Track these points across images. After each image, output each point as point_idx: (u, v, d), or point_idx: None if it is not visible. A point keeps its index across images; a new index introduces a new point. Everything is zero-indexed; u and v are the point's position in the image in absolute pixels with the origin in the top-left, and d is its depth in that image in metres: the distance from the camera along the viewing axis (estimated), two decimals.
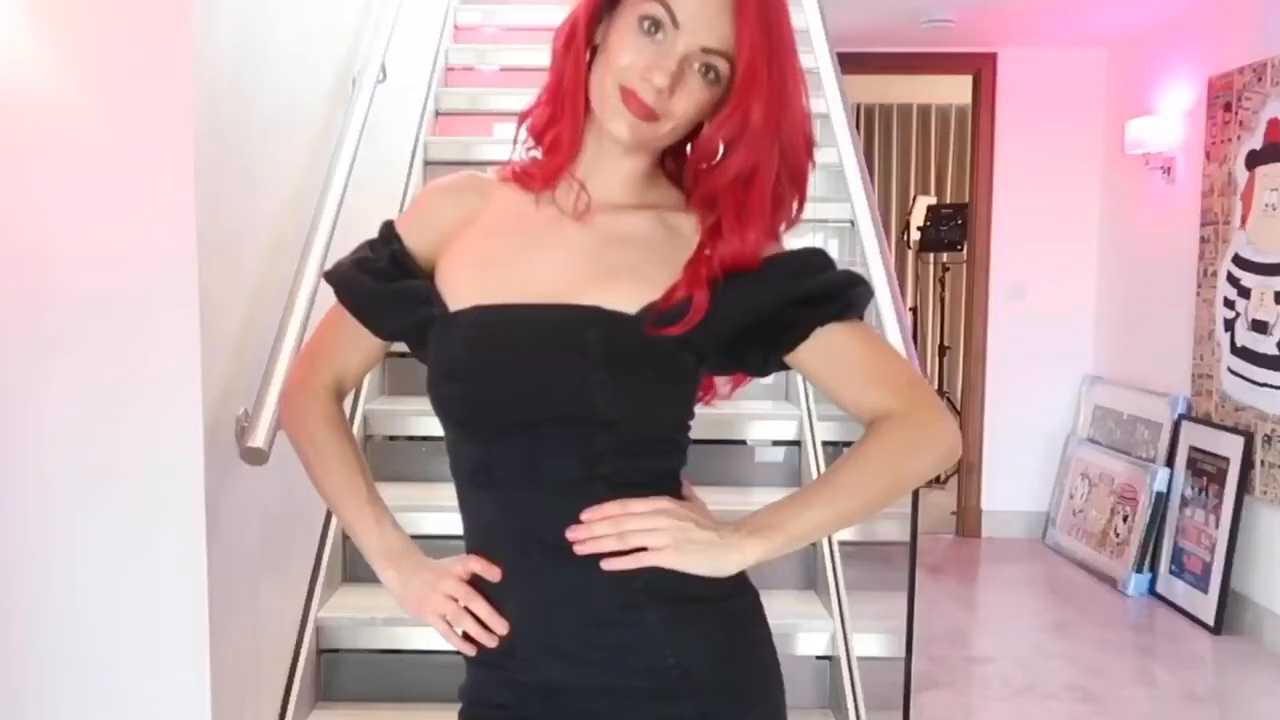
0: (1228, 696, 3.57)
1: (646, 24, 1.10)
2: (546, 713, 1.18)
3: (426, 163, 3.95)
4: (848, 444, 3.31)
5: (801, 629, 2.71)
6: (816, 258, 1.17)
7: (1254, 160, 4.06)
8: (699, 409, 1.25)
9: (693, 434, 1.26)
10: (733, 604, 1.21)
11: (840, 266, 1.17)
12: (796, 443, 3.18)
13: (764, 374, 1.21)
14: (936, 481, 6.22)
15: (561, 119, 1.19)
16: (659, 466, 1.20)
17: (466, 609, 1.19)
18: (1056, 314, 5.30)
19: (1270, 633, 3.90)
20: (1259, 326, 4.00)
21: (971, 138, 5.57)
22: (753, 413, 3.30)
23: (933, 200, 6.78)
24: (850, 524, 1.17)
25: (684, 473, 1.25)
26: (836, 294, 1.15)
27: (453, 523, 1.27)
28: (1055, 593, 4.61)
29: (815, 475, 3.01)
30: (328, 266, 1.35)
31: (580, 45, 1.16)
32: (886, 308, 2.46)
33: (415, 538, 1.26)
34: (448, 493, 1.28)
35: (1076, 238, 5.28)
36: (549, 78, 1.21)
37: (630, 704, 1.16)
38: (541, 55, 1.25)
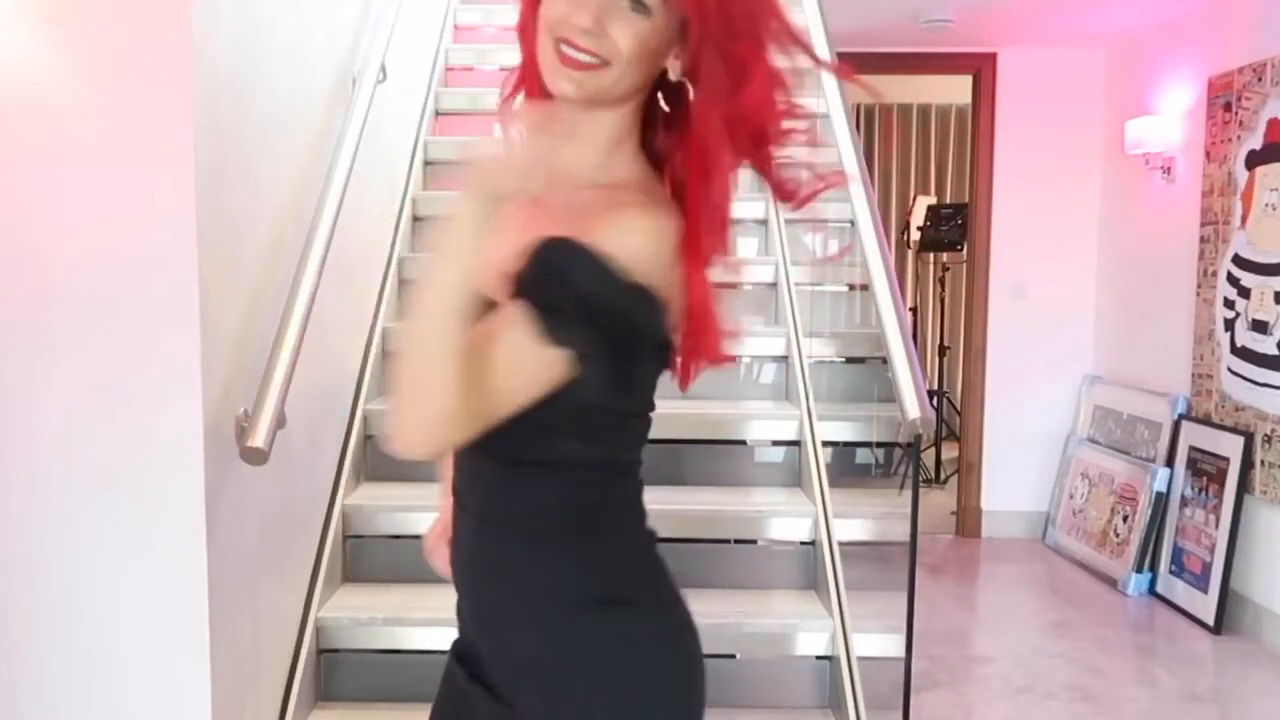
0: (1228, 696, 3.57)
1: None
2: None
3: (426, 162, 3.95)
4: (848, 444, 3.33)
5: (801, 629, 2.71)
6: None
7: (1254, 160, 4.06)
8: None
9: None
10: None
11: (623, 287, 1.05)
12: (796, 443, 3.18)
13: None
14: (936, 481, 6.23)
15: (534, 94, 1.20)
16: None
17: None
18: (1056, 314, 5.30)
19: (1270, 633, 3.90)
20: (1259, 326, 4.00)
21: (971, 138, 5.56)
22: (753, 413, 3.30)
23: (933, 200, 6.78)
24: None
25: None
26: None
27: None
28: (1055, 593, 4.60)
29: (815, 475, 3.02)
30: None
31: (531, 25, 1.17)
32: (886, 308, 2.46)
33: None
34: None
35: (1076, 238, 5.28)
36: (520, 58, 1.22)
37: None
38: None
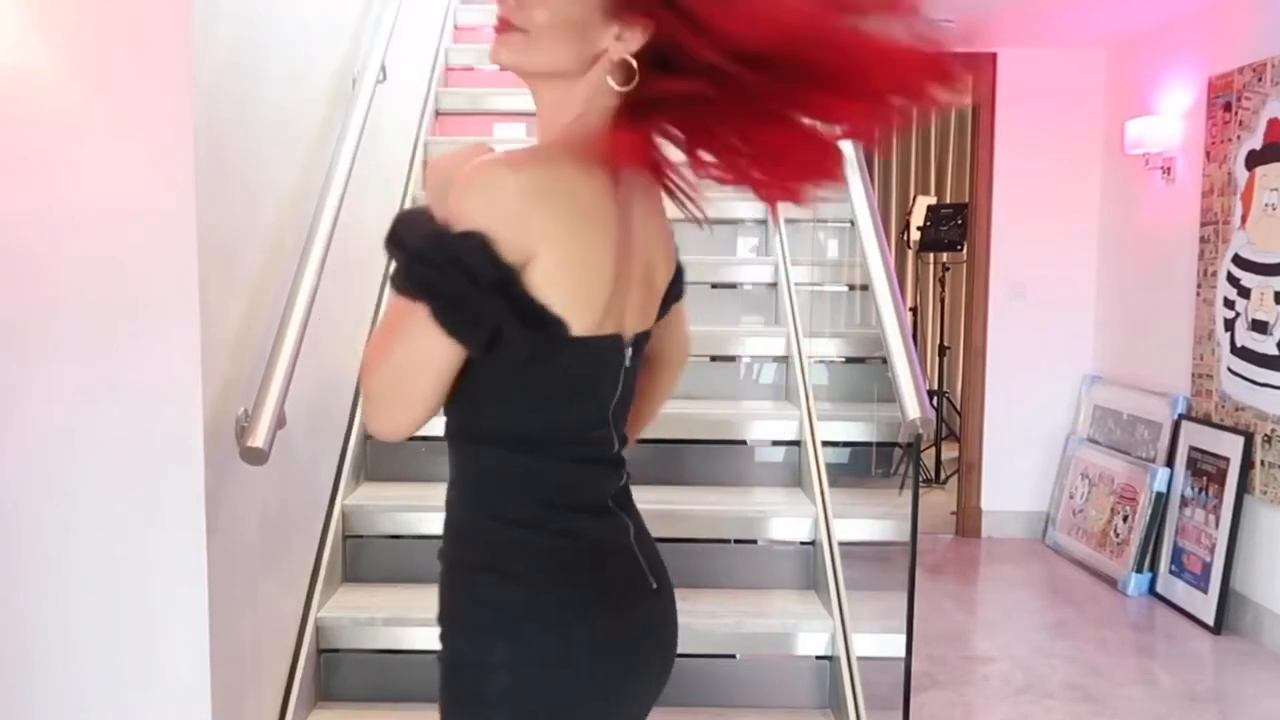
0: (1228, 696, 3.57)
1: None
2: None
3: (426, 162, 3.95)
4: (848, 444, 3.33)
5: (801, 629, 2.71)
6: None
7: (1254, 160, 4.06)
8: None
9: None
10: None
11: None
12: (796, 442, 3.18)
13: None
14: (936, 481, 6.23)
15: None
16: None
17: None
18: (1056, 314, 5.30)
19: (1270, 633, 3.90)
20: (1259, 326, 4.00)
21: (971, 138, 5.57)
22: (753, 413, 3.30)
23: (933, 200, 6.78)
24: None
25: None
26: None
27: None
28: (1055, 593, 4.61)
29: (815, 475, 3.02)
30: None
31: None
32: (886, 308, 2.47)
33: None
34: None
35: (1076, 238, 5.28)
36: None
37: None
38: None
